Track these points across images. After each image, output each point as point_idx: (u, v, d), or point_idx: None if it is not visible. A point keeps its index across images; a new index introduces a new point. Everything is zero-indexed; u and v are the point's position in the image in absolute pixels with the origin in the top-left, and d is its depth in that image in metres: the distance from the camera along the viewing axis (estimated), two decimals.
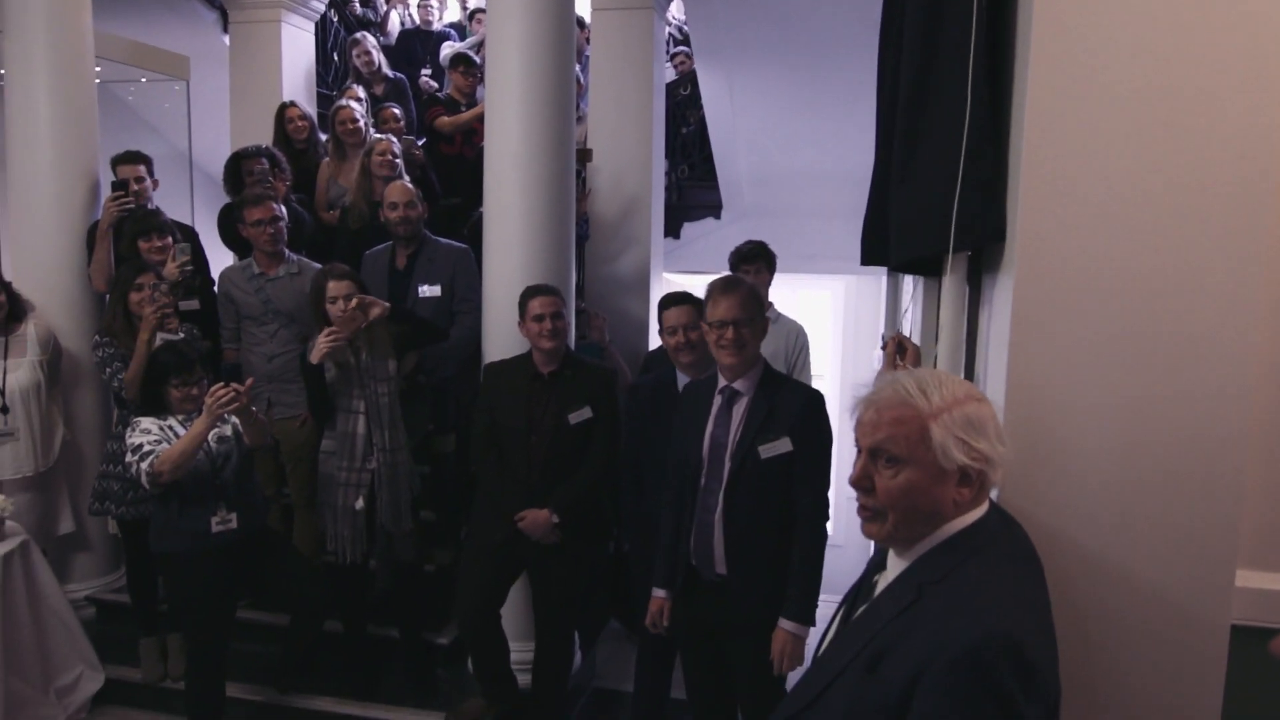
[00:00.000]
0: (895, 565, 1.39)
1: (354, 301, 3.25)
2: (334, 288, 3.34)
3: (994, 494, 1.37)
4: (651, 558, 2.91)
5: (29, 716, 3.36)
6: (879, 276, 6.46)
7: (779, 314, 4.04)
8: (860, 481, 1.36)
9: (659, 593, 2.75)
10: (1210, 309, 1.82)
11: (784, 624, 2.51)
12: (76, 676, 3.56)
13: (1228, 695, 1.91)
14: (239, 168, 4.34)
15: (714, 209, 7.16)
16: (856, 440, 1.38)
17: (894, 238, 2.18)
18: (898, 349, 2.26)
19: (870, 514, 1.36)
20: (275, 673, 3.53)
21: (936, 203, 1.94)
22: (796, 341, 3.99)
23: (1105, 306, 1.86)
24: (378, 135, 4.54)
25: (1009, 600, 1.23)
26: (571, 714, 3.69)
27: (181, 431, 3.08)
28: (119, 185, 3.94)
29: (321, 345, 3.25)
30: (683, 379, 3.07)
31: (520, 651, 3.51)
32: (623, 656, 4.07)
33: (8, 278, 3.80)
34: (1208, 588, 1.85)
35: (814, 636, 2.55)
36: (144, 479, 2.99)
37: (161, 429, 3.08)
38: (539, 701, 3.42)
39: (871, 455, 1.34)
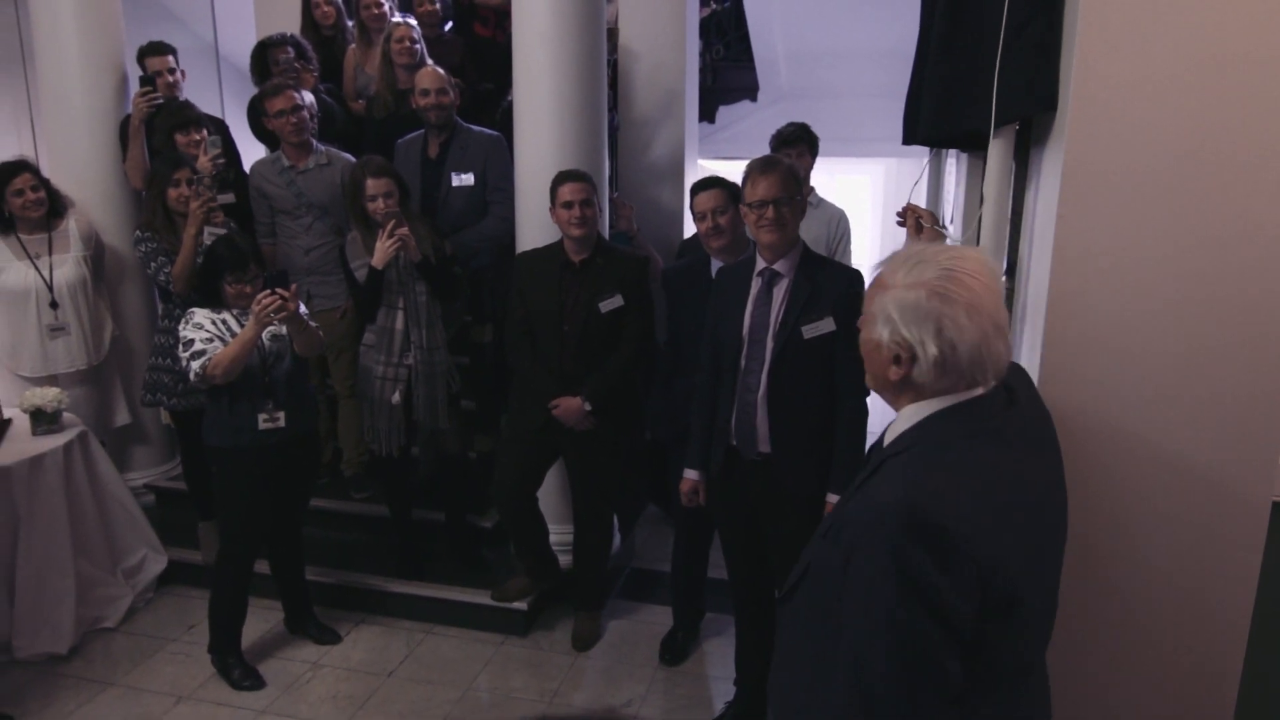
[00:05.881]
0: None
1: (392, 223, 3.24)
2: (372, 185, 3.32)
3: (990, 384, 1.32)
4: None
5: (99, 596, 3.56)
6: (921, 158, 6.24)
7: (820, 199, 3.94)
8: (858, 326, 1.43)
9: (691, 474, 2.80)
10: (1270, 183, 1.74)
11: (832, 498, 2.58)
12: (141, 559, 3.75)
13: (1263, 573, 1.91)
14: (265, 57, 4.26)
15: (750, 91, 6.93)
16: None
17: (936, 111, 2.10)
18: (918, 221, 2.23)
19: None
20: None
21: (983, 70, 1.85)
22: (838, 228, 3.90)
23: (1159, 179, 1.79)
24: (396, 20, 4.37)
25: (940, 473, 1.22)
26: (611, 592, 3.83)
27: (235, 327, 3.05)
28: (146, 80, 3.89)
29: (388, 250, 3.26)
30: (715, 264, 3.04)
31: (560, 533, 3.62)
32: (661, 539, 4.18)
33: (45, 175, 3.81)
34: (1250, 464, 1.83)
35: None
36: (193, 376, 2.98)
37: (215, 323, 3.05)
38: (579, 580, 3.55)
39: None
